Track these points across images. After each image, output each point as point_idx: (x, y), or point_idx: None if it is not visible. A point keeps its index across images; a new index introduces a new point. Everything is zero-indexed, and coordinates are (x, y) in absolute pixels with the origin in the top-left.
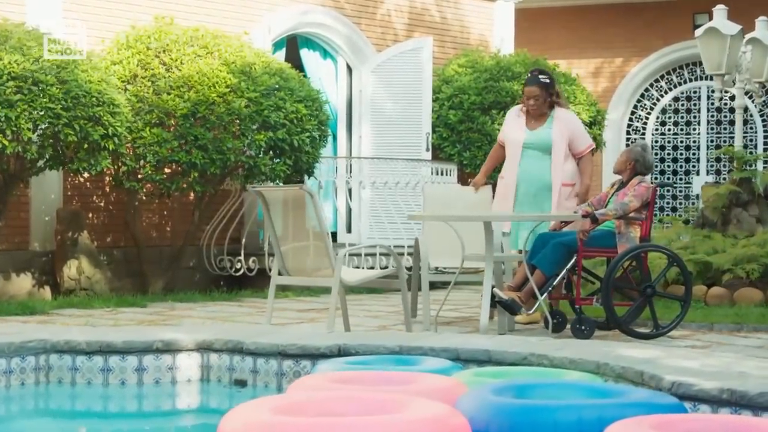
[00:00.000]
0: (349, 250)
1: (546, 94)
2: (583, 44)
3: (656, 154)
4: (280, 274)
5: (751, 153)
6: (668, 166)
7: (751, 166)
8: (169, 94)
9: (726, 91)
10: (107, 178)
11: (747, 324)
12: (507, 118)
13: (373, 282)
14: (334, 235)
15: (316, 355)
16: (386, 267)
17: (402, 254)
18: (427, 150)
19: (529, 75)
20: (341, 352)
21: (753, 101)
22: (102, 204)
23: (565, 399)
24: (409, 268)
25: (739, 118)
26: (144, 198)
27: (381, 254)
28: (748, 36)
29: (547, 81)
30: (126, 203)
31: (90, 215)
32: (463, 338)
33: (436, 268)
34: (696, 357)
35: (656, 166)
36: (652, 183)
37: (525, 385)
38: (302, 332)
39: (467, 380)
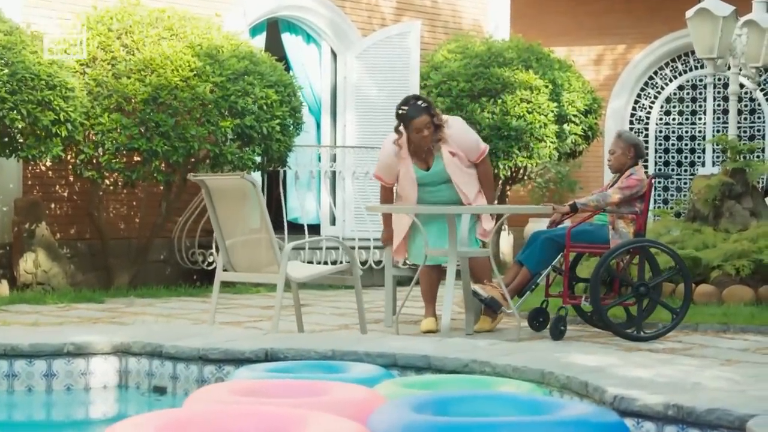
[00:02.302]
0: (295, 244)
1: (431, 119)
2: (585, 30)
3: (660, 144)
4: (225, 269)
5: (759, 142)
6: (672, 157)
7: (758, 156)
8: (129, 77)
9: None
10: (70, 167)
11: (734, 325)
12: (386, 162)
13: (325, 278)
14: (317, 227)
15: (241, 360)
16: (365, 261)
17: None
18: None
19: (407, 107)
20: (268, 357)
21: (760, 87)
22: (65, 194)
23: (491, 415)
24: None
25: (733, 105)
26: (109, 188)
27: (360, 248)
28: (744, 18)
29: (426, 104)
30: (90, 193)
31: (52, 206)
32: (403, 342)
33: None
34: (652, 365)
35: (660, 158)
36: (648, 174)
37: (450, 398)
38: (231, 334)
39: (393, 391)
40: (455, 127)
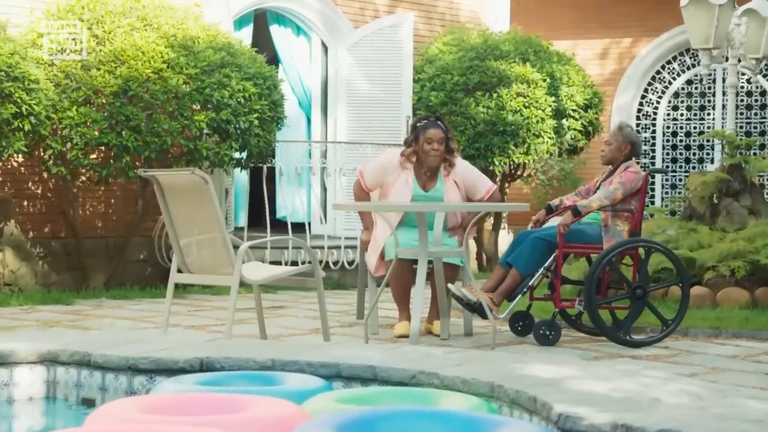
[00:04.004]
0: (250, 243)
1: (446, 139)
2: (590, 24)
3: (668, 140)
4: (180, 271)
5: (759, 137)
6: (680, 154)
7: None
8: (98, 69)
9: (743, 74)
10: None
11: (726, 329)
12: (384, 165)
13: (284, 280)
14: (308, 226)
15: (173, 370)
16: (353, 261)
17: None
18: (407, 134)
19: (425, 120)
20: (203, 367)
21: None
22: (39, 191)
23: None
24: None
25: (731, 98)
26: (85, 184)
27: (347, 247)
28: (743, 7)
29: (446, 127)
30: (63, 190)
31: (25, 203)
32: (350, 351)
33: None
34: (613, 377)
35: (667, 154)
36: (645, 169)
37: (380, 416)
38: (170, 341)
39: (324, 406)
40: (460, 163)
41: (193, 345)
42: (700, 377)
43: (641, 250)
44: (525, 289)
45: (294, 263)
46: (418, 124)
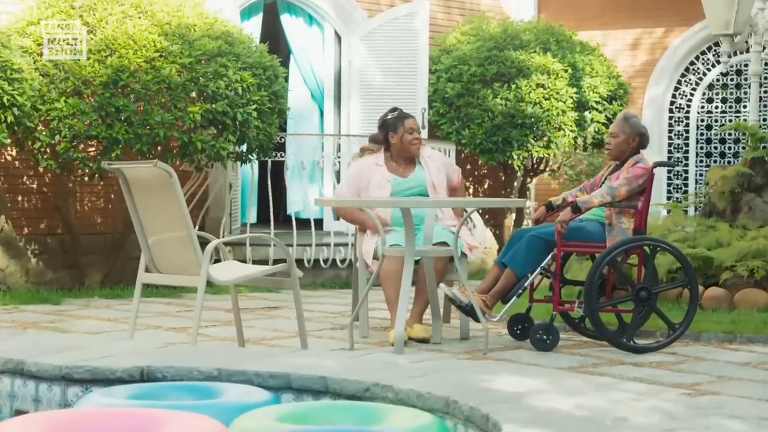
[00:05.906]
0: (220, 241)
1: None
2: (620, 13)
3: (702, 134)
4: (148, 270)
5: None
6: (715, 148)
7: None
8: (88, 59)
9: None
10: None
11: (741, 334)
12: (359, 171)
13: (259, 280)
14: (319, 222)
15: (111, 380)
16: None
17: None
18: (423, 127)
19: (396, 112)
20: (144, 377)
21: None
22: (34, 186)
23: None
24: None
25: (754, 87)
26: (81, 179)
27: (353, 245)
28: None
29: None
30: (57, 185)
31: (19, 198)
32: (305, 360)
33: None
34: (585, 392)
35: (702, 148)
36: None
37: None
38: (117, 348)
39: (258, 425)
40: (429, 149)
41: (139, 352)
42: (703, 387)
43: (646, 249)
44: (520, 291)
45: (299, 261)
46: (387, 119)
